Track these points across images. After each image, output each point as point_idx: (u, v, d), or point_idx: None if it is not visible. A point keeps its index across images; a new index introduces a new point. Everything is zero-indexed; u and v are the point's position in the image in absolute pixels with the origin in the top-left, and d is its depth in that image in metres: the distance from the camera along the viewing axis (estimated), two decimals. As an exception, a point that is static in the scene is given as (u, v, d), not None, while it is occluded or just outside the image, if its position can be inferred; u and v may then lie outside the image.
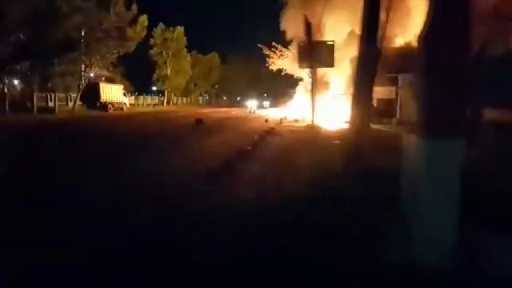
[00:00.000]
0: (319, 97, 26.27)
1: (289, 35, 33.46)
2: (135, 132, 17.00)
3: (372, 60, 6.73)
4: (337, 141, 13.57)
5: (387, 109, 23.74)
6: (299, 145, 12.85)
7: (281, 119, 25.39)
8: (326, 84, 26.43)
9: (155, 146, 12.00)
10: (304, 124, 22.72)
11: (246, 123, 24.75)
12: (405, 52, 23.09)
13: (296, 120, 25.44)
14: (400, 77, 22.86)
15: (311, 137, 15.39)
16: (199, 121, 21.99)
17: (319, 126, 21.06)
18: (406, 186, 3.74)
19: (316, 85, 25.83)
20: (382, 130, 18.23)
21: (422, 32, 3.54)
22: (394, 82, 23.05)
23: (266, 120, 24.79)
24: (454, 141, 3.29)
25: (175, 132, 17.25)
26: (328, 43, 24.45)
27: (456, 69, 3.36)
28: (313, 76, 25.73)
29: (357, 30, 24.65)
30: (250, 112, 41.42)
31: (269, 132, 17.50)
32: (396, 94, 23.46)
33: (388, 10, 13.16)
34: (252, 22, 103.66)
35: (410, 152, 3.65)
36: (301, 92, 35.64)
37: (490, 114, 12.02)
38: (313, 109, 25.15)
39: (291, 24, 32.34)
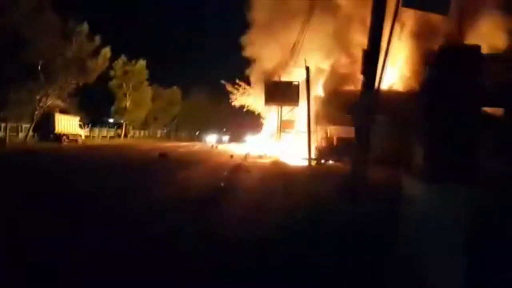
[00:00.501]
0: (283, 134, 26.94)
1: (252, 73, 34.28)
2: (92, 168, 16.18)
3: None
4: (305, 178, 13.84)
5: (347, 147, 24.57)
6: (272, 181, 12.85)
7: (245, 155, 25.46)
8: (290, 122, 27.09)
9: (117, 188, 9.89)
10: (269, 160, 22.94)
11: (212, 158, 24.55)
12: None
13: (260, 156, 25.60)
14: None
15: (280, 174, 15.52)
16: (163, 156, 21.55)
17: (284, 163, 21.40)
18: (408, 231, 3.76)
19: (281, 122, 26.68)
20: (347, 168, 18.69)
21: (423, 78, 3.73)
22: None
23: (232, 156, 24.74)
24: (462, 187, 3.36)
25: (140, 168, 16.51)
26: (294, 83, 25.72)
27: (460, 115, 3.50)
28: (279, 114, 26.52)
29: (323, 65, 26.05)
30: (212, 147, 41.23)
31: (238, 168, 17.45)
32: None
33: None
34: (215, 59, 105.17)
35: (416, 197, 3.70)
36: (264, 129, 36.22)
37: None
38: (278, 146, 25.69)
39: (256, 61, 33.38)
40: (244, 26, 33.75)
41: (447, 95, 3.49)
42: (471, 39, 20.55)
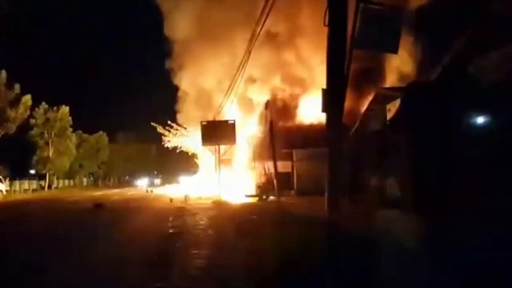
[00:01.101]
0: (221, 173, 27.19)
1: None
2: (23, 230, 15.01)
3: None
4: (254, 216, 14.19)
5: (285, 181, 25.57)
6: (222, 223, 12.99)
7: (185, 197, 25.13)
8: (228, 161, 27.53)
9: (56, 248, 9.27)
10: (210, 200, 22.92)
11: (150, 204, 23.91)
12: (297, 129, 25.91)
13: (200, 197, 25.46)
14: (294, 152, 25.15)
15: (227, 214, 15.69)
16: (98, 206, 20.55)
17: (226, 201, 21.55)
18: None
19: (219, 162, 26.97)
20: (289, 202, 19.42)
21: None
22: (289, 156, 25.22)
23: (171, 200, 24.32)
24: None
25: (77, 223, 15.38)
26: (229, 122, 26.36)
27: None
28: (217, 153, 26.84)
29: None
30: (147, 191, 39.94)
31: (181, 212, 17.27)
32: (292, 167, 25.56)
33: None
34: (141, 101, 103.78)
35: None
36: (201, 169, 36.16)
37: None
38: (218, 185, 25.81)
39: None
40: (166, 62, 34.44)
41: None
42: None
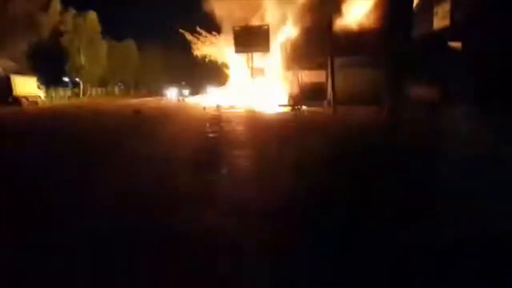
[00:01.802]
0: (253, 83, 27.02)
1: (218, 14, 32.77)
2: (84, 129, 15.91)
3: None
4: (292, 124, 14.42)
5: (318, 91, 25.26)
6: (257, 129, 13.25)
7: (217, 107, 25.48)
8: (260, 70, 27.09)
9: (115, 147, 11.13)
10: (242, 110, 23.19)
11: (185, 111, 24.53)
12: (335, 36, 24.70)
13: (232, 107, 25.72)
14: (329, 60, 24.33)
15: (259, 121, 15.96)
16: (137, 112, 21.33)
17: (258, 111, 21.75)
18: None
19: (252, 70, 26.63)
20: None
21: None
22: (324, 65, 24.50)
23: (204, 108, 24.75)
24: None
25: (125, 126, 16.37)
26: (263, 27, 25.32)
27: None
28: (251, 61, 26.30)
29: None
30: (178, 100, 40.70)
31: (216, 119, 17.67)
32: (327, 77, 24.96)
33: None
34: (169, 7, 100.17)
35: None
36: (232, 78, 35.83)
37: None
38: (250, 95, 25.81)
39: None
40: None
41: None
42: None
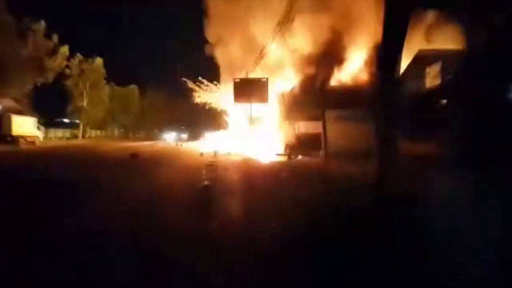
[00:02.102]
0: (250, 131, 27.48)
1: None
2: (77, 171, 15.98)
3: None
4: (284, 173, 14.51)
5: (314, 142, 25.61)
6: (254, 179, 13.32)
7: (214, 153, 25.70)
8: (258, 119, 27.68)
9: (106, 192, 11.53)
10: (239, 157, 23.37)
11: (182, 156, 24.66)
12: (330, 90, 25.55)
13: (228, 154, 25.94)
14: (326, 113, 24.96)
15: (255, 170, 16.07)
16: (134, 156, 21.48)
17: (255, 159, 21.92)
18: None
19: (250, 119, 27.19)
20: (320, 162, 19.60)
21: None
22: (320, 117, 25.06)
23: (201, 154, 24.96)
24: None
25: (118, 169, 16.55)
26: (262, 80, 26.30)
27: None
28: (250, 110, 26.94)
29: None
30: (176, 145, 41.05)
31: (213, 166, 17.78)
32: (324, 128, 25.44)
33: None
34: (172, 57, 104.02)
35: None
36: (231, 126, 36.52)
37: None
38: (248, 143, 26.17)
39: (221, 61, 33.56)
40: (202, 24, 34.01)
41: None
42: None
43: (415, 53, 17.78)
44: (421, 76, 18.79)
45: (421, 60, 18.23)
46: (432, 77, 17.71)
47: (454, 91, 9.90)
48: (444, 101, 16.03)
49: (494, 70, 8.18)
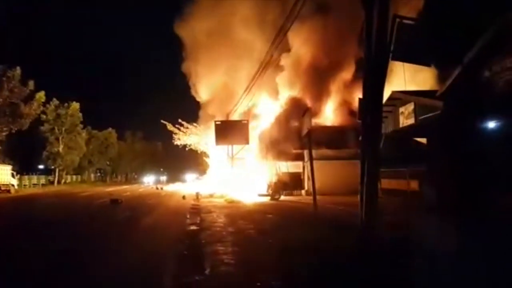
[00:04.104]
0: (232, 172, 27.56)
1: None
2: (48, 221, 15.49)
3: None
4: (270, 215, 14.54)
5: (296, 181, 25.93)
6: (239, 221, 13.23)
7: (196, 195, 25.48)
8: (240, 160, 27.86)
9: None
10: (222, 199, 23.22)
11: (164, 201, 24.33)
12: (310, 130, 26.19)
13: (211, 195, 25.78)
14: (306, 152, 25.50)
15: (242, 212, 16.01)
16: (114, 201, 21.05)
17: (238, 200, 21.84)
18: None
19: (232, 161, 27.35)
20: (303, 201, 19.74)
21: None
22: (300, 157, 25.55)
23: (184, 197, 24.72)
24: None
25: (99, 218, 16.20)
26: (243, 122, 26.76)
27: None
28: (229, 151, 27.13)
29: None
30: (157, 188, 40.52)
31: (196, 209, 17.61)
32: (303, 167, 25.90)
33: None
34: (149, 100, 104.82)
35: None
36: (212, 167, 36.46)
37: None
38: (231, 184, 26.18)
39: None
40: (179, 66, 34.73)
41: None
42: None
43: (389, 95, 18.67)
44: (395, 115, 19.68)
45: (394, 102, 19.14)
46: (405, 117, 18.55)
47: (430, 130, 10.42)
48: (419, 139, 16.74)
49: (467, 107, 8.68)
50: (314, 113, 23.31)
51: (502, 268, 3.95)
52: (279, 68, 27.10)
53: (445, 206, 6.19)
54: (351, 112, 24.77)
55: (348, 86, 27.01)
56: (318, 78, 25.84)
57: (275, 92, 28.05)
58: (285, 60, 26.92)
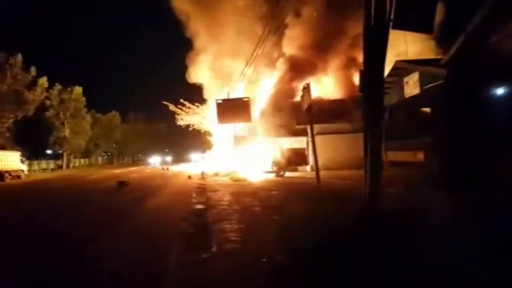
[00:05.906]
0: (236, 149, 27.58)
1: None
2: (67, 202, 15.74)
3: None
4: (275, 192, 14.58)
5: (299, 157, 25.94)
6: (242, 200, 13.25)
7: (202, 174, 25.62)
8: (243, 137, 27.81)
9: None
10: (227, 177, 23.30)
11: (170, 181, 24.51)
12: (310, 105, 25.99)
13: (216, 174, 25.87)
14: (309, 127, 25.37)
15: (245, 190, 16.03)
16: (122, 183, 21.21)
17: (244, 178, 21.88)
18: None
19: (235, 139, 27.33)
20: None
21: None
22: (304, 132, 25.42)
23: (189, 177, 24.87)
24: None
25: (108, 199, 16.40)
26: (244, 99, 26.52)
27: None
28: (234, 129, 27.06)
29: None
30: (163, 169, 40.80)
31: (202, 188, 17.72)
32: (307, 143, 25.81)
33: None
34: (151, 81, 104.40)
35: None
36: (216, 146, 36.51)
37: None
38: (235, 162, 26.20)
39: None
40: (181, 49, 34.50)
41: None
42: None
43: (393, 64, 18.34)
44: (400, 86, 19.37)
45: (398, 72, 18.82)
46: (410, 87, 18.25)
47: (437, 98, 10.20)
48: (425, 109, 16.53)
49: (472, 75, 8.47)
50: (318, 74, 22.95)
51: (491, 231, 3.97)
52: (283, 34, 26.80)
53: (448, 176, 6.12)
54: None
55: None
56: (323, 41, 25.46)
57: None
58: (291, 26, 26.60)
